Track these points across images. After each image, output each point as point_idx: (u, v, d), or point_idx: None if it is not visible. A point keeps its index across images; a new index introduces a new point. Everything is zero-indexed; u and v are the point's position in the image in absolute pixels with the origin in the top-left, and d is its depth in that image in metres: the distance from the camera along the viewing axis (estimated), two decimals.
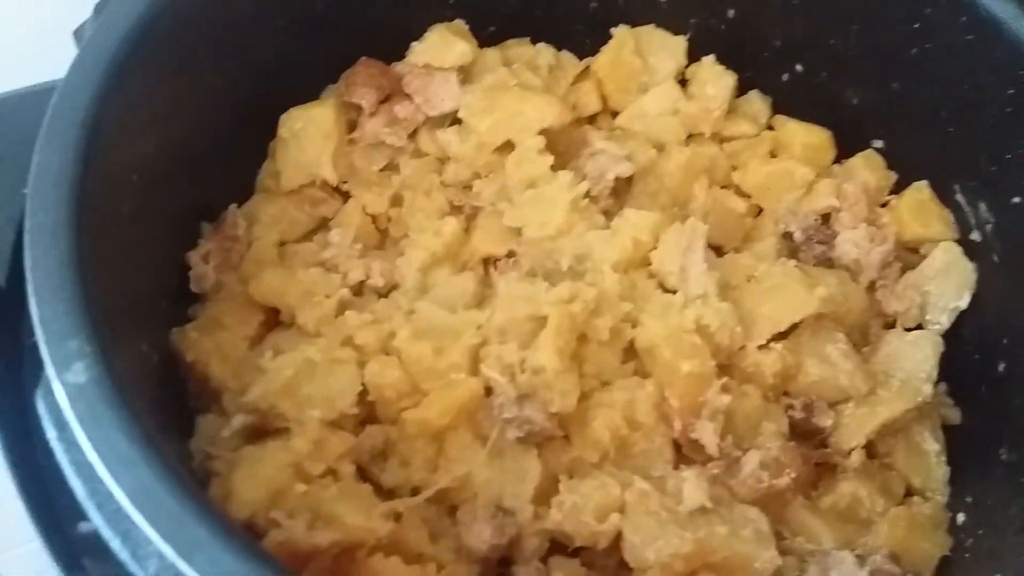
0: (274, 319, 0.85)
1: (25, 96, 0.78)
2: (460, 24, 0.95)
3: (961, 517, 0.78)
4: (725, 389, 0.77)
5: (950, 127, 0.85)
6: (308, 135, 0.89)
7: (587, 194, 0.88)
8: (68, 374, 0.54)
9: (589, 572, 0.73)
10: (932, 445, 0.83)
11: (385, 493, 0.75)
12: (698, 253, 0.84)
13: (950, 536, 0.77)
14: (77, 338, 0.55)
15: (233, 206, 0.87)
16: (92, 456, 0.52)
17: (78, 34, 0.83)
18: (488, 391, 0.77)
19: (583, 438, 0.76)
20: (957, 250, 0.87)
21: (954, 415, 0.85)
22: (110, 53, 0.69)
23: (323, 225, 0.92)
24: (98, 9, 0.81)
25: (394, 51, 0.95)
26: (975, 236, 0.86)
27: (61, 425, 0.57)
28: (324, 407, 0.75)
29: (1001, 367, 0.81)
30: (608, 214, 0.90)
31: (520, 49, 0.98)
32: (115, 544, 0.54)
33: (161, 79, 0.75)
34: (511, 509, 0.74)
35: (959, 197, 0.87)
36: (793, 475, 0.75)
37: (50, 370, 0.54)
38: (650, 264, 0.85)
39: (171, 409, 0.75)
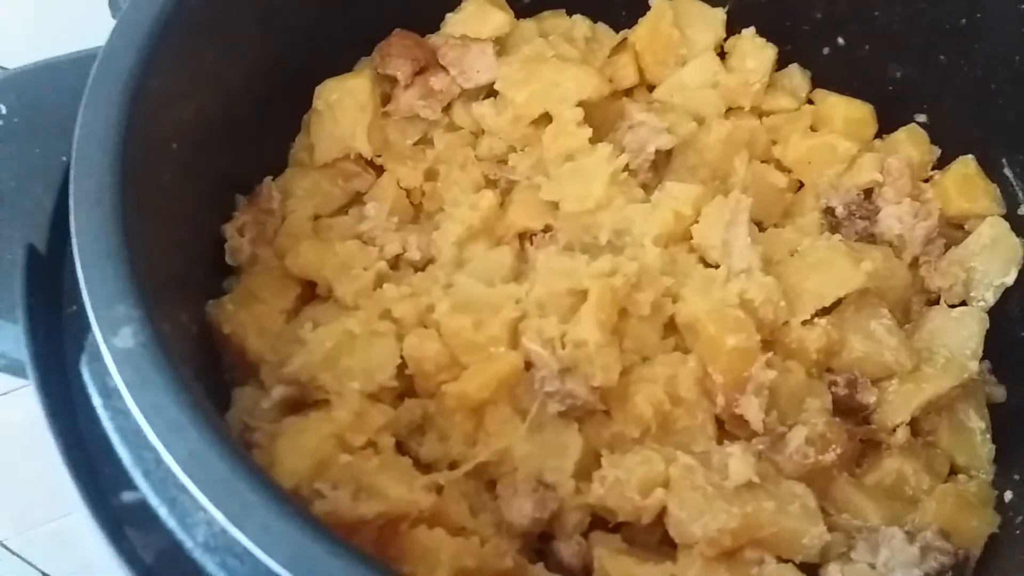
0: (310, 293, 0.84)
1: (60, 65, 0.77)
2: None
3: (1008, 495, 0.77)
4: (769, 364, 0.76)
5: (999, 100, 0.84)
6: (343, 107, 0.88)
7: (626, 167, 0.87)
8: (116, 339, 0.53)
9: (631, 547, 0.73)
10: (977, 423, 0.82)
11: (423, 467, 0.75)
12: (742, 227, 0.82)
13: (998, 514, 0.76)
14: (124, 303, 0.54)
15: (268, 179, 0.86)
16: (142, 422, 0.51)
17: (113, 3, 0.82)
18: (528, 365, 0.76)
19: (624, 413, 0.75)
20: (1004, 225, 0.86)
21: (999, 393, 0.84)
22: (150, 19, 0.68)
23: (357, 199, 0.91)
24: None
25: (429, 23, 0.94)
26: (1023, 211, 0.84)
27: (107, 392, 0.57)
28: (364, 379, 0.74)
29: None
30: (647, 188, 0.89)
31: (556, 21, 0.96)
32: (162, 512, 0.54)
33: (199, 46, 0.74)
34: (552, 483, 0.73)
35: (1007, 171, 0.86)
36: (839, 451, 0.74)
37: (98, 335, 0.54)
38: (691, 238, 0.84)
39: (209, 381, 0.75)
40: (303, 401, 0.74)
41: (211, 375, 0.77)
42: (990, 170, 0.88)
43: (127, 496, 0.59)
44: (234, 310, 0.78)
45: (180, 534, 0.53)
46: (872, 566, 0.69)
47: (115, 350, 0.53)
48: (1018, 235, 0.85)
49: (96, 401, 0.57)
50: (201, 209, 0.79)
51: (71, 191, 0.58)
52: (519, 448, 0.74)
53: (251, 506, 0.48)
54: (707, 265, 0.83)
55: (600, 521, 0.74)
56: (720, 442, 0.75)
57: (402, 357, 0.76)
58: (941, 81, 0.89)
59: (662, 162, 0.91)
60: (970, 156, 0.89)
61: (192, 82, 0.73)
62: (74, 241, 0.56)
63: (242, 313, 0.78)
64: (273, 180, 0.87)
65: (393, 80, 0.91)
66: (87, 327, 0.56)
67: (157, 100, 0.66)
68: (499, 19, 0.90)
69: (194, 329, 0.75)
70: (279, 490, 0.50)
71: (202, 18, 0.73)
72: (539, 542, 0.74)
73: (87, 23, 0.77)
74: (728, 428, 0.76)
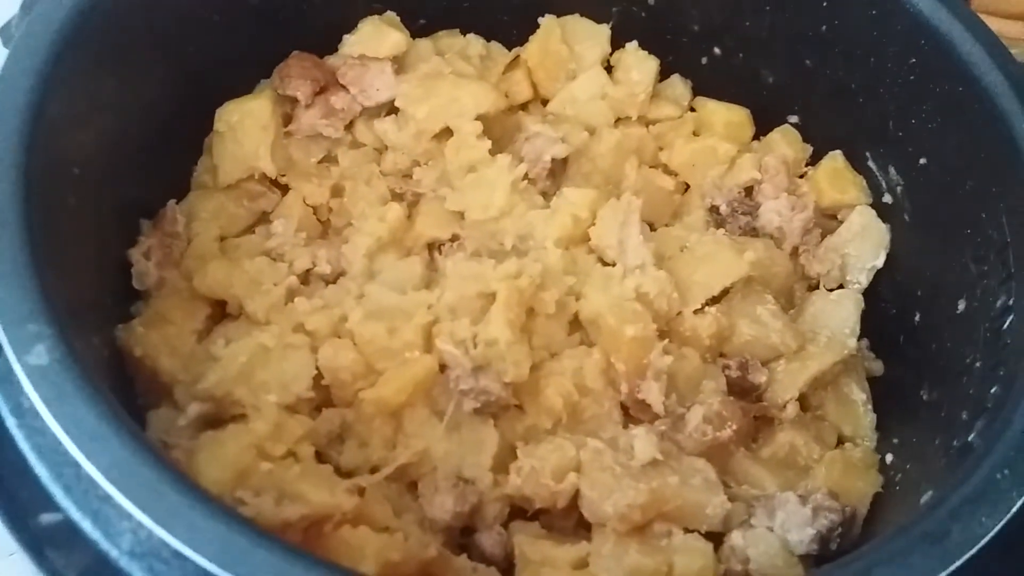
0: (220, 312, 0.85)
1: None
2: (392, 15, 0.97)
3: (889, 457, 0.83)
4: (666, 352, 0.80)
5: (859, 98, 0.92)
6: (245, 128, 0.89)
7: (526, 176, 0.91)
8: (29, 357, 0.54)
9: (549, 533, 0.76)
10: (859, 395, 0.89)
11: (344, 475, 0.76)
12: (634, 226, 0.87)
13: (881, 475, 0.82)
14: (36, 321, 0.55)
15: (172, 202, 0.87)
16: (61, 435, 0.52)
17: (5, 31, 0.82)
18: (442, 368, 0.79)
19: (536, 406, 0.79)
20: (871, 213, 0.93)
21: (877, 367, 0.91)
22: (45, 45, 0.69)
23: (262, 219, 0.92)
24: (26, 7, 0.80)
25: (327, 44, 0.96)
26: (887, 198, 0.93)
27: (20, 412, 0.57)
28: (280, 392, 0.75)
29: (917, 317, 0.87)
30: (546, 195, 0.93)
31: (451, 40, 1.00)
32: (86, 525, 0.54)
33: (96, 72, 0.75)
34: (471, 478, 0.76)
35: (871, 163, 0.93)
36: (734, 427, 0.79)
37: (10, 354, 0.54)
38: (589, 240, 0.89)
39: (123, 405, 0.75)
40: (219, 417, 0.75)
41: (124, 399, 0.77)
42: (856, 163, 0.96)
43: (46, 518, 0.59)
44: (144, 332, 0.78)
45: (104, 545, 0.53)
46: (770, 529, 0.74)
47: (29, 368, 0.53)
48: (884, 221, 0.93)
49: (10, 422, 0.57)
50: (107, 233, 0.79)
51: None
52: (438, 447, 0.77)
53: (176, 507, 0.50)
54: (605, 264, 0.88)
55: (519, 511, 0.77)
56: (626, 426, 0.79)
57: (317, 368, 0.78)
58: (808, 84, 0.97)
59: (559, 170, 0.95)
60: (838, 152, 0.97)
61: (91, 107, 0.74)
62: None
63: (152, 335, 0.78)
64: (177, 203, 0.87)
65: (294, 101, 0.93)
66: None
67: (56, 124, 0.67)
68: (396, 38, 0.93)
69: (105, 353, 0.75)
70: (203, 491, 0.51)
71: (99, 44, 0.74)
72: (462, 536, 0.77)
73: None
74: (633, 413, 0.80)
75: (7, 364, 0.55)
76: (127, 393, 0.78)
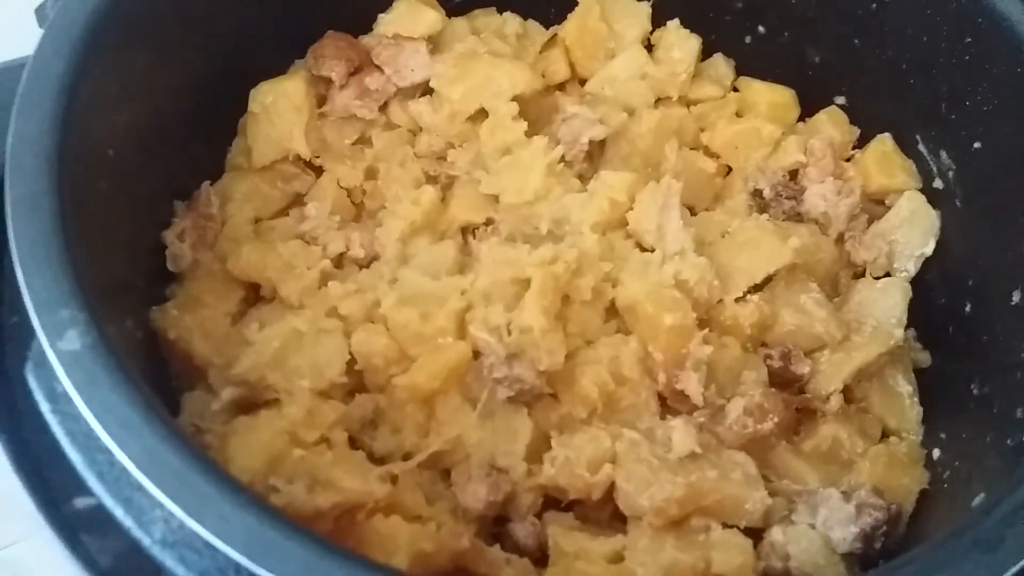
0: (254, 295, 0.84)
1: None
2: None
3: (936, 453, 0.81)
4: (706, 341, 0.78)
5: (910, 79, 0.88)
6: (279, 109, 0.88)
7: (562, 159, 0.89)
8: (62, 343, 0.53)
9: (583, 524, 0.75)
10: (905, 387, 0.86)
11: (377, 461, 0.75)
12: (674, 211, 0.85)
13: (927, 471, 0.80)
14: (68, 307, 0.54)
15: (206, 183, 0.87)
16: (93, 423, 0.51)
17: (39, 12, 0.82)
18: (476, 354, 0.77)
19: (571, 395, 0.78)
20: (921, 199, 0.90)
21: (924, 358, 0.88)
22: (80, 25, 0.68)
23: (296, 201, 0.92)
24: None
25: (361, 24, 0.95)
26: (938, 184, 0.89)
27: (55, 397, 0.57)
28: (313, 377, 0.75)
29: (967, 308, 0.84)
30: (583, 178, 0.91)
31: (487, 18, 0.98)
32: (118, 512, 0.54)
33: (129, 53, 0.74)
34: (504, 467, 0.75)
35: (921, 147, 0.90)
36: (776, 420, 0.77)
37: (43, 340, 0.54)
38: (627, 224, 0.87)
39: (157, 387, 0.75)
40: (253, 402, 0.75)
41: (159, 382, 0.77)
42: (906, 147, 0.92)
43: (80, 502, 0.60)
44: (178, 315, 0.78)
45: (137, 533, 0.53)
46: (812, 526, 0.72)
47: (61, 353, 0.53)
48: (934, 207, 0.90)
49: (44, 407, 0.57)
50: (140, 215, 0.79)
51: (7, 198, 0.58)
52: (471, 435, 0.76)
53: (208, 498, 0.49)
54: (643, 249, 0.85)
55: (553, 501, 0.76)
56: (663, 417, 0.77)
57: (351, 353, 0.77)
58: (857, 64, 0.93)
59: (596, 152, 0.93)
60: (887, 134, 0.94)
61: (124, 88, 0.73)
62: (12, 248, 0.56)
63: (187, 318, 0.78)
64: (211, 185, 0.87)
65: (328, 81, 0.92)
66: (30, 335, 0.56)
67: (89, 107, 0.66)
68: (431, 18, 0.92)
69: (139, 335, 0.75)
70: (234, 481, 0.51)
71: (132, 24, 0.73)
72: (495, 525, 0.76)
73: (14, 33, 0.76)
74: (670, 403, 0.78)
75: (41, 349, 0.55)
76: (162, 375, 0.78)
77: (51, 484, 0.61)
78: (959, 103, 0.84)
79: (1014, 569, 0.51)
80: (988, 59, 0.79)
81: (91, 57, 0.67)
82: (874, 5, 0.88)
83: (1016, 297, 0.77)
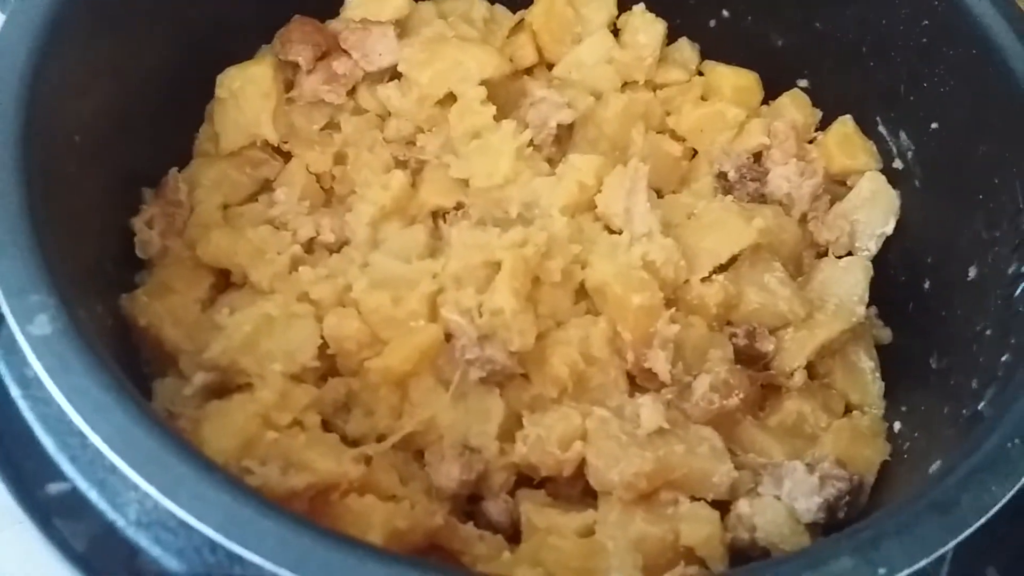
0: (224, 281, 0.84)
1: None
2: None
3: (897, 425, 0.83)
4: (673, 320, 0.80)
5: (870, 62, 0.90)
6: (246, 94, 0.88)
7: (531, 142, 0.90)
8: (32, 327, 0.53)
9: (555, 501, 0.76)
10: (867, 363, 0.88)
11: (351, 443, 0.76)
12: (641, 194, 0.86)
13: (889, 443, 0.82)
14: (38, 292, 0.55)
15: (174, 170, 0.86)
16: (65, 405, 0.52)
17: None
18: (448, 337, 0.78)
19: (542, 375, 0.79)
20: (881, 179, 0.92)
21: (885, 335, 0.90)
22: (41, 12, 0.68)
23: (265, 187, 0.92)
24: None
25: (328, 8, 0.95)
26: (897, 164, 0.91)
27: (26, 383, 0.57)
28: (285, 361, 0.75)
29: (927, 285, 0.86)
30: (551, 161, 0.92)
31: (454, 3, 0.99)
32: (92, 495, 0.54)
33: (94, 38, 0.74)
34: (477, 447, 0.76)
35: (881, 128, 0.92)
36: (741, 395, 0.78)
37: (13, 325, 0.54)
38: (595, 207, 0.88)
39: (128, 374, 0.75)
40: (225, 386, 0.75)
41: (131, 368, 0.77)
42: (866, 128, 0.94)
43: (53, 488, 0.60)
44: (148, 302, 0.78)
45: (112, 515, 0.54)
46: (777, 498, 0.74)
47: (32, 338, 0.53)
48: (894, 187, 0.92)
49: (15, 392, 0.57)
50: (108, 203, 0.79)
51: None
52: (444, 416, 0.77)
53: (181, 477, 0.50)
54: (611, 231, 0.87)
55: (525, 479, 0.77)
56: (632, 395, 0.79)
57: (323, 337, 0.77)
58: (818, 48, 0.95)
59: (564, 136, 0.94)
60: (848, 116, 0.95)
61: (90, 74, 0.73)
62: None
63: (156, 304, 0.78)
64: (179, 171, 0.87)
65: (295, 66, 0.92)
66: (0, 321, 0.56)
67: (55, 92, 0.66)
68: (398, 2, 0.92)
69: (110, 321, 0.74)
70: (207, 459, 0.51)
71: (96, 10, 0.73)
72: (469, 504, 0.77)
73: None
74: (639, 382, 0.80)
75: (11, 334, 0.55)
76: (133, 362, 0.78)
77: (24, 471, 0.61)
78: (917, 85, 0.86)
79: (969, 531, 0.53)
80: (944, 42, 0.82)
81: (55, 43, 0.67)
82: None
83: (972, 273, 0.79)
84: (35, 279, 0.55)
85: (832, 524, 0.74)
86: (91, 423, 0.51)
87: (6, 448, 0.62)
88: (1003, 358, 0.68)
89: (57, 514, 0.60)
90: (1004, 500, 0.54)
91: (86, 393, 0.52)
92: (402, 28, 0.93)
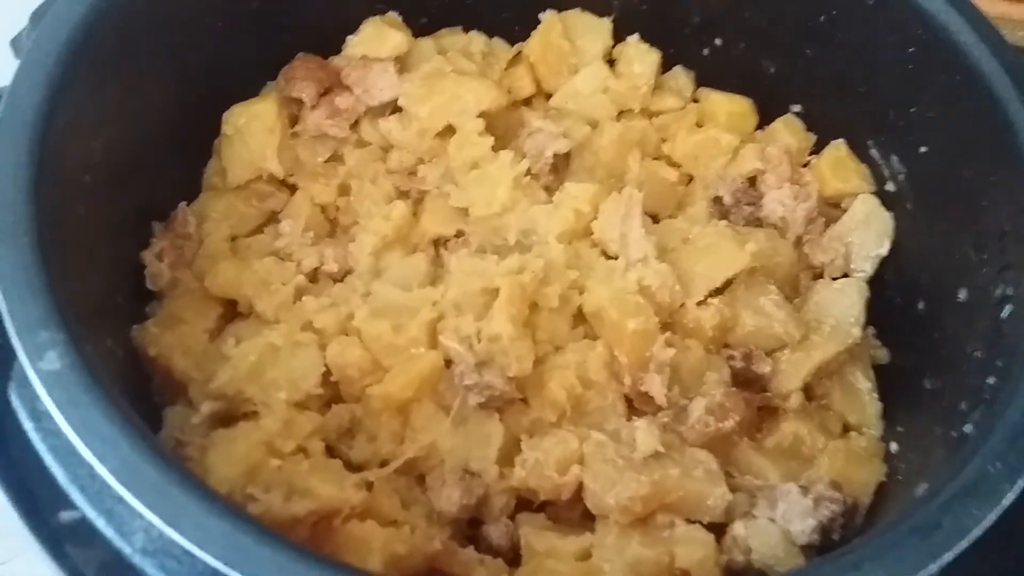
0: (232, 311, 0.87)
1: None
2: (393, 16, 0.98)
3: (894, 446, 0.83)
4: (669, 344, 0.81)
5: (860, 87, 0.92)
6: (252, 130, 0.91)
7: (528, 171, 0.92)
8: (42, 363, 0.56)
9: (555, 524, 0.77)
10: (864, 384, 0.89)
11: (354, 469, 0.78)
12: (636, 220, 0.88)
13: (885, 464, 0.82)
14: (47, 328, 0.57)
15: (183, 204, 0.89)
16: (74, 439, 0.54)
17: (16, 43, 0.84)
18: (448, 363, 0.80)
19: (540, 400, 0.80)
20: (875, 201, 0.93)
21: (882, 355, 0.91)
22: (53, 58, 0.71)
23: (272, 218, 0.94)
24: (35, 18, 0.82)
25: (330, 46, 0.97)
26: (890, 187, 0.92)
27: (37, 416, 0.59)
28: (290, 389, 0.77)
29: (921, 305, 0.87)
30: (549, 190, 0.94)
31: (453, 38, 1.01)
32: (100, 523, 0.56)
33: (104, 81, 0.76)
34: (477, 471, 0.78)
35: (873, 152, 0.93)
36: (737, 418, 0.79)
37: (24, 360, 0.56)
38: (592, 234, 0.90)
39: (138, 403, 0.77)
40: (232, 415, 0.77)
41: (141, 398, 0.79)
42: (859, 152, 0.95)
43: (65, 516, 0.62)
44: (158, 332, 0.80)
45: (119, 543, 0.56)
46: (772, 520, 0.75)
47: (42, 373, 0.55)
48: (888, 209, 0.93)
49: (27, 425, 0.59)
50: (118, 237, 0.81)
51: None
52: (445, 441, 0.78)
53: (184, 507, 0.52)
54: (608, 257, 0.88)
55: (525, 503, 0.78)
56: (630, 419, 0.80)
57: (326, 365, 0.80)
58: (810, 73, 0.97)
59: (561, 165, 0.96)
60: (841, 140, 0.97)
61: (100, 116, 0.76)
62: None
63: (166, 335, 0.80)
64: (188, 205, 0.89)
65: (299, 102, 0.94)
66: (12, 356, 0.59)
67: (65, 135, 0.69)
68: (397, 39, 0.95)
69: (120, 353, 0.77)
70: (209, 490, 0.53)
71: (106, 54, 0.76)
72: (469, 528, 0.78)
73: None
74: (636, 405, 0.81)
75: (23, 369, 0.58)
76: (144, 391, 0.81)
77: (37, 499, 0.63)
78: (905, 110, 0.87)
79: (950, 554, 0.54)
80: (930, 68, 0.83)
81: (67, 87, 0.70)
82: (822, 17, 0.91)
83: (962, 295, 0.80)
84: (45, 317, 0.57)
85: (827, 546, 0.75)
86: (98, 455, 0.53)
87: (20, 477, 0.64)
88: (989, 380, 0.69)
89: (69, 541, 0.62)
90: (986, 523, 0.55)
91: (93, 426, 0.54)
92: (402, 64, 0.96)
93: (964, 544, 0.54)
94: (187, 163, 0.92)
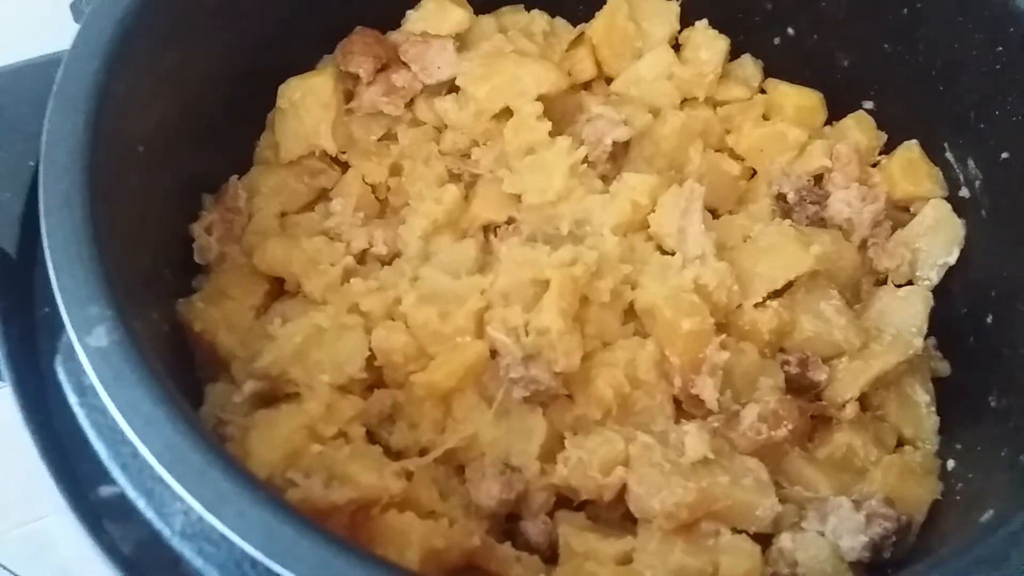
0: (279, 289, 0.86)
1: (24, 69, 0.78)
2: None
3: (951, 463, 0.80)
4: (723, 346, 0.79)
5: (940, 86, 0.87)
6: (307, 105, 0.90)
7: (585, 159, 0.89)
8: (90, 338, 0.55)
9: (594, 524, 0.76)
10: (922, 396, 0.86)
11: (394, 455, 0.77)
12: (696, 215, 0.85)
13: (941, 481, 0.79)
14: (97, 303, 0.56)
15: (234, 177, 0.88)
16: (118, 418, 0.53)
17: (75, 7, 0.84)
18: (493, 354, 0.78)
19: (586, 396, 0.78)
20: (946, 207, 0.89)
21: (943, 367, 0.88)
22: (113, 24, 0.69)
23: (323, 196, 0.93)
24: None
25: (390, 20, 0.95)
26: (964, 192, 0.88)
27: (82, 390, 0.59)
28: (333, 372, 0.76)
29: (989, 319, 0.83)
30: (606, 179, 0.91)
31: (515, 16, 0.98)
32: (140, 503, 0.56)
33: (162, 50, 0.75)
34: (518, 466, 0.76)
35: (948, 155, 0.89)
36: (790, 427, 0.77)
37: (72, 335, 0.55)
38: (648, 227, 0.87)
39: (180, 378, 0.77)
40: (274, 395, 0.76)
41: (183, 372, 0.79)
42: (933, 154, 0.91)
43: (104, 491, 0.62)
44: (204, 308, 0.79)
45: (158, 524, 0.55)
46: (821, 534, 0.73)
47: (89, 349, 0.55)
48: (959, 216, 0.89)
49: (72, 399, 0.59)
50: (169, 209, 0.81)
51: (40, 195, 0.60)
52: (486, 433, 0.77)
53: (226, 494, 0.51)
54: (664, 252, 0.86)
55: (565, 500, 0.77)
56: (677, 421, 0.78)
57: (371, 349, 0.78)
58: (886, 69, 0.92)
59: (620, 153, 0.93)
60: (914, 141, 0.93)
61: (156, 85, 0.75)
62: (45, 245, 0.58)
63: (212, 310, 0.80)
64: (239, 179, 0.88)
65: (356, 77, 0.93)
66: (61, 328, 0.58)
67: (122, 104, 0.68)
68: (458, 15, 0.92)
69: (165, 327, 0.76)
70: (252, 477, 0.52)
71: (165, 22, 0.74)
72: (507, 523, 0.77)
73: (50, 28, 0.78)
74: (685, 407, 0.79)
75: (70, 343, 0.57)
76: (187, 365, 0.80)
77: (77, 472, 0.63)
78: (988, 112, 0.83)
79: None
80: (1018, 69, 0.78)
81: (124, 55, 0.69)
82: (905, 10, 0.87)
83: None
84: (95, 291, 0.56)
85: (877, 563, 0.72)
86: (142, 436, 0.52)
87: (63, 449, 0.64)
88: None
89: (107, 516, 0.62)
90: None
91: (138, 406, 0.53)
92: (462, 42, 0.93)
93: None
94: (240, 135, 0.91)
